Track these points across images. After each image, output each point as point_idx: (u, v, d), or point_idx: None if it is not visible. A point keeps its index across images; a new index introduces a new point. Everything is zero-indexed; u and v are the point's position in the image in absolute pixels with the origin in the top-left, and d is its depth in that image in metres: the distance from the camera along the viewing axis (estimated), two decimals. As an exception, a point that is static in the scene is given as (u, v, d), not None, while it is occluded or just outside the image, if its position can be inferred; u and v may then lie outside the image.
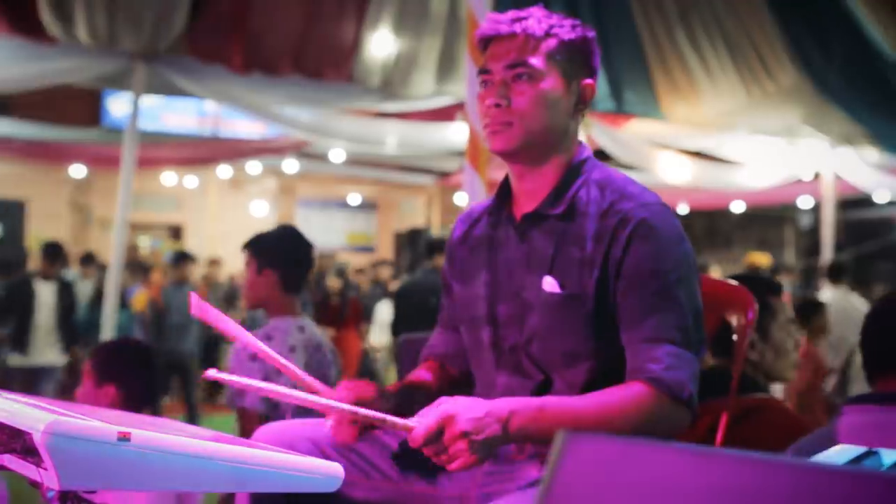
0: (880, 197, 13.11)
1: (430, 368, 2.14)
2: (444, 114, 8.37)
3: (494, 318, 1.95)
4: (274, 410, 3.15)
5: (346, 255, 16.53)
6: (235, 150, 11.49)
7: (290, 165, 12.67)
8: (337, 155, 11.05)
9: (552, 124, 1.88)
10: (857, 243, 15.41)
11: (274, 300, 3.34)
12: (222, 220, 16.19)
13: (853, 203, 14.20)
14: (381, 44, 6.68)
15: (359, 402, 1.82)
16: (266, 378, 3.11)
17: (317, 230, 15.40)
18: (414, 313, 6.51)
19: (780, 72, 8.35)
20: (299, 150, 11.19)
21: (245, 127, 12.32)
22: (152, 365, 3.03)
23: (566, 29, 1.89)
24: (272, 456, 1.49)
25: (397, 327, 6.80)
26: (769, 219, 19.35)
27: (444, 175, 13.79)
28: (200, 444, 1.41)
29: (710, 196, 13.12)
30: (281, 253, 3.37)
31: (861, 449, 1.00)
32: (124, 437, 1.32)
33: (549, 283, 1.85)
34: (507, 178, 2.00)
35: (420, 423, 1.65)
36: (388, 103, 7.57)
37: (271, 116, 7.87)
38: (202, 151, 11.39)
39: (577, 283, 1.83)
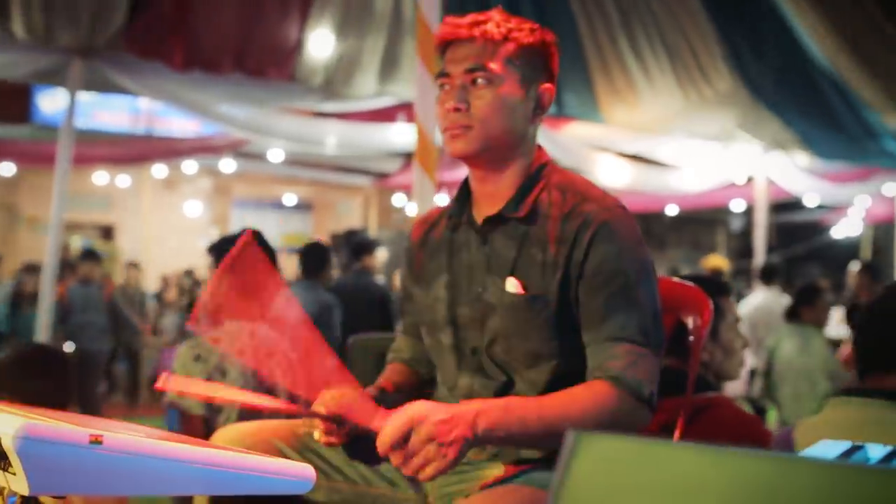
0: (810, 200, 13.44)
1: (399, 372, 2.15)
2: (386, 115, 8.35)
3: (455, 321, 1.96)
4: (214, 413, 3.12)
5: (281, 256, 16.36)
6: (172, 149, 11.31)
7: (228, 165, 12.52)
8: (275, 155, 10.95)
9: (511, 128, 1.89)
10: (786, 246, 15.77)
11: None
12: (155, 220, 15.94)
13: (782, 206, 14.52)
14: (324, 43, 6.64)
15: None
16: (209, 379, 3.09)
17: (252, 231, 15.11)
18: (343, 315, 6.47)
19: (716, 77, 8.49)
20: (237, 150, 11.07)
21: (180, 125, 12.14)
22: (56, 371, 2.93)
23: (525, 33, 1.91)
24: (244, 458, 1.47)
25: None
26: (701, 221, 19.70)
27: (382, 176, 13.75)
28: (173, 446, 1.38)
29: (646, 199, 13.30)
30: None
31: (846, 444, 1.02)
32: (96, 441, 1.29)
33: (513, 285, 1.86)
34: (466, 182, 2.02)
35: (387, 426, 1.64)
36: (330, 103, 7.53)
37: (211, 115, 7.77)
38: (138, 150, 11.19)
39: (540, 284, 1.85)
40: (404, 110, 8.21)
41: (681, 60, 8.26)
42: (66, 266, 9.61)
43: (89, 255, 8.66)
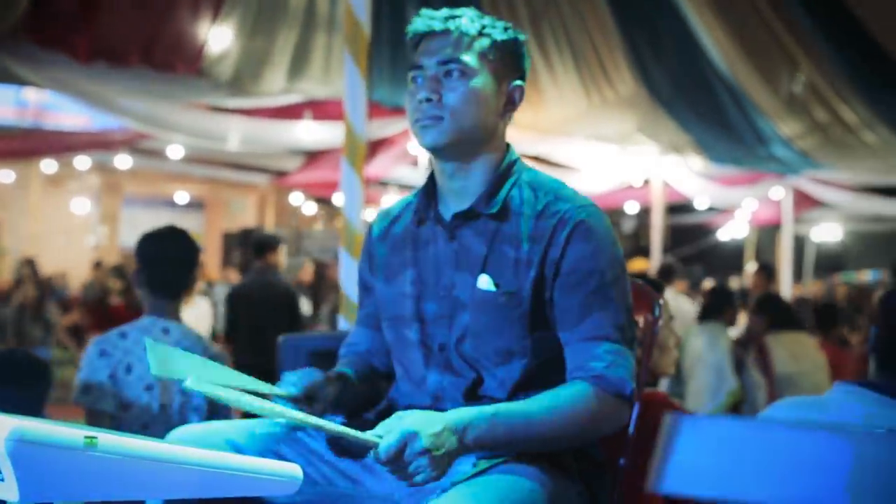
0: (701, 203, 13.85)
1: (358, 363, 2.11)
2: (292, 112, 8.24)
3: (421, 316, 1.94)
4: (124, 411, 3.04)
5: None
6: (64, 144, 10.89)
7: (123, 161, 12.15)
8: (175, 151, 10.69)
9: (482, 122, 1.89)
10: (676, 247, 16.19)
11: (145, 300, 3.25)
12: (41, 217, 15.38)
13: (673, 208, 14.92)
14: (234, 38, 6.51)
15: (310, 391, 1.83)
16: (113, 376, 3.01)
17: (143, 229, 14.56)
18: (246, 314, 6.36)
19: (618, 79, 8.66)
20: (133, 145, 10.75)
21: (70, 120, 11.71)
22: (36, 378, 2.82)
23: (499, 30, 1.92)
24: (234, 459, 1.43)
25: (232, 330, 6.62)
26: (593, 223, 19.96)
27: (280, 174, 13.58)
28: (166, 447, 1.34)
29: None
30: (147, 253, 3.25)
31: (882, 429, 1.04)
32: (91, 442, 1.24)
33: (485, 281, 1.86)
34: (431, 177, 2.00)
35: (382, 442, 1.63)
36: (237, 99, 7.38)
37: (114, 108, 7.52)
38: (27, 144, 10.73)
39: (512, 281, 1.85)
40: (311, 107, 8.12)
41: (585, 62, 8.39)
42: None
43: None
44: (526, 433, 1.72)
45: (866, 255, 17.99)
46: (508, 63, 1.93)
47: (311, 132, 8.54)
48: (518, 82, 1.95)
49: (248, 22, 6.49)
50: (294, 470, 1.49)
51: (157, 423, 2.99)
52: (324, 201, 17.08)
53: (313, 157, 11.38)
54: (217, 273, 14.76)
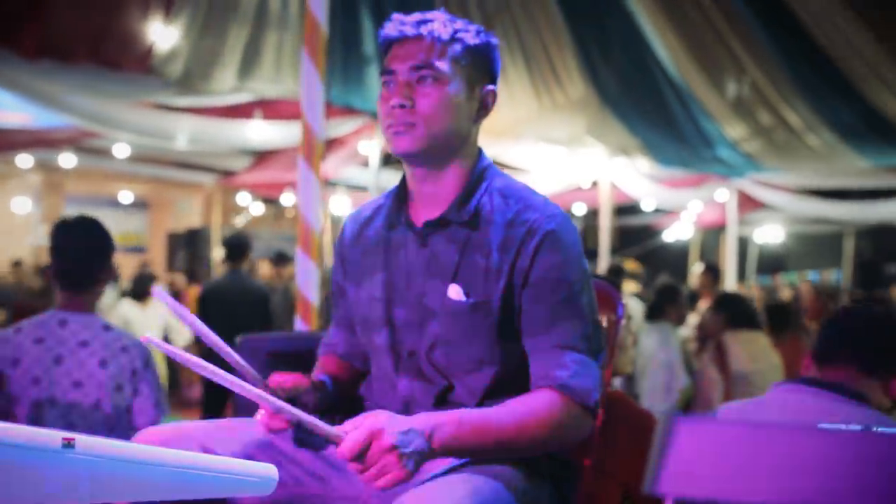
0: (647, 205, 14.00)
1: (337, 365, 2.11)
2: (242, 111, 8.17)
3: (391, 321, 1.93)
4: (13, 406, 2.97)
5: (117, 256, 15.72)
6: (6, 142, 10.65)
7: (68, 160, 11.93)
8: (121, 150, 10.52)
9: (455, 128, 1.87)
10: (623, 248, 16.36)
11: (56, 292, 3.10)
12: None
13: (620, 210, 15.06)
14: (184, 36, 6.43)
15: (294, 392, 1.82)
16: (0, 371, 2.96)
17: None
18: (218, 316, 6.31)
19: (569, 83, 8.71)
20: (77, 144, 10.55)
21: (11, 117, 11.45)
22: None
23: (471, 34, 1.90)
24: (214, 460, 1.41)
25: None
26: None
27: (226, 174, 13.44)
28: (145, 449, 1.31)
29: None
30: (56, 243, 3.12)
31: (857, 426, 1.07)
32: (68, 444, 1.21)
33: (455, 291, 1.85)
34: (403, 181, 1.99)
35: (347, 436, 1.61)
36: (187, 97, 7.29)
37: (60, 106, 7.39)
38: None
39: (482, 291, 1.84)
40: (261, 107, 8.06)
41: (536, 64, 8.42)
42: None
43: None
44: (491, 438, 1.71)
45: (807, 256, 18.35)
46: (480, 67, 1.92)
47: (261, 132, 8.47)
48: (490, 86, 1.94)
49: (198, 19, 6.41)
50: (270, 471, 1.48)
51: (48, 418, 2.90)
52: (271, 201, 16.96)
53: (261, 156, 11.29)
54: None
